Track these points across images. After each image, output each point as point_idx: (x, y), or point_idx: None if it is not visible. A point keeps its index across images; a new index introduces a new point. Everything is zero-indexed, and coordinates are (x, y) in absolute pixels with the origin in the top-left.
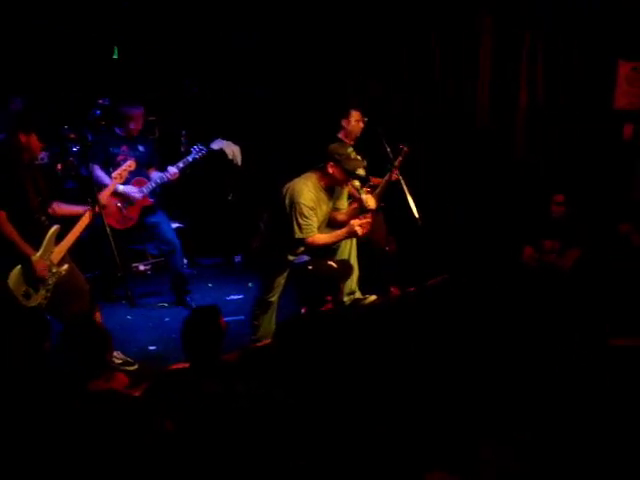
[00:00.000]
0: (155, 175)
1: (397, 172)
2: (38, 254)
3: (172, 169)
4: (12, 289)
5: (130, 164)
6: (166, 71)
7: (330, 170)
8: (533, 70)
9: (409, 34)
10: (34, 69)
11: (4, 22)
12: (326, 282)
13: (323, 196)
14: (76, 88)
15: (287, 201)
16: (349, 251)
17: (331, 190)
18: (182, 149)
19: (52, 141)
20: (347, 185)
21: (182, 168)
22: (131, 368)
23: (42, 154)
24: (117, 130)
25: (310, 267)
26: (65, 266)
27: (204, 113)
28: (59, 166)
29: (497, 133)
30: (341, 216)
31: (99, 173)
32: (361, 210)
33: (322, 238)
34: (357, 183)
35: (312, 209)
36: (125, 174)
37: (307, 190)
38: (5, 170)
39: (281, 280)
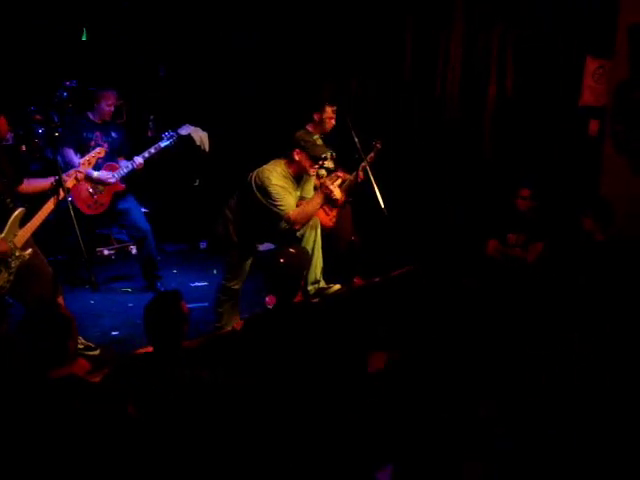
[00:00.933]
0: (123, 163)
1: (366, 168)
2: (1, 235)
3: (138, 159)
4: None
5: (99, 151)
6: (134, 54)
7: (296, 157)
8: (502, 63)
9: (383, 22)
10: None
11: None
12: (298, 271)
13: (290, 184)
14: (42, 69)
15: (257, 188)
16: (314, 240)
17: (298, 179)
18: (149, 134)
19: (17, 122)
20: (313, 173)
21: (152, 154)
22: (93, 353)
23: (7, 135)
24: (90, 115)
25: (282, 259)
26: (29, 250)
27: (172, 98)
28: (23, 147)
29: (465, 125)
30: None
31: (72, 157)
32: (328, 201)
33: (300, 211)
34: (323, 172)
35: (283, 188)
36: (93, 161)
37: (276, 175)
38: None
39: (246, 267)
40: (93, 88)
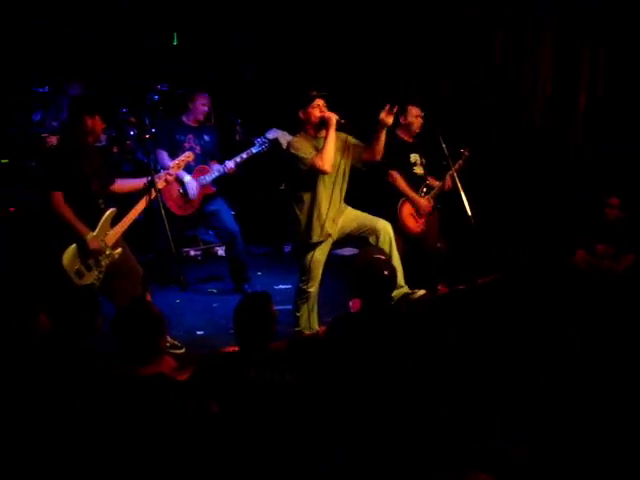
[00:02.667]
0: (214, 167)
1: (451, 179)
2: (93, 233)
3: (229, 164)
4: (65, 266)
5: (189, 155)
6: (222, 58)
7: (301, 116)
8: (594, 72)
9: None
10: (93, 53)
11: (63, 8)
12: (390, 281)
13: (316, 142)
14: (134, 72)
15: (288, 160)
16: (389, 244)
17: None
18: (237, 138)
19: (110, 124)
20: (319, 113)
21: (244, 159)
22: (178, 352)
23: (101, 136)
24: (184, 117)
25: (373, 263)
26: (119, 249)
27: (259, 101)
28: (115, 149)
29: (554, 131)
30: None
31: (165, 159)
32: (417, 211)
33: (319, 152)
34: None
35: (302, 143)
36: (183, 164)
37: (296, 139)
38: (67, 152)
39: (320, 268)
40: (182, 91)
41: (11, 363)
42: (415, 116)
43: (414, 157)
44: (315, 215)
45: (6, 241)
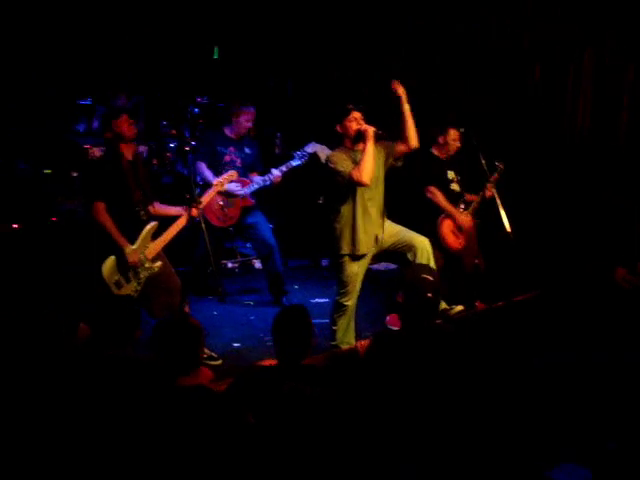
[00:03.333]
0: (257, 178)
1: (491, 188)
2: (133, 247)
3: (276, 172)
4: (105, 276)
5: (232, 174)
6: (263, 72)
7: (339, 130)
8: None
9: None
10: (137, 66)
11: (107, 24)
12: (434, 304)
13: (354, 155)
14: (175, 86)
15: (328, 175)
16: (427, 259)
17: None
18: (277, 151)
19: (150, 136)
20: (357, 126)
21: (284, 172)
22: (215, 363)
23: (142, 148)
24: (226, 130)
25: (419, 286)
26: (158, 263)
27: (299, 115)
28: (155, 161)
29: (594, 149)
30: None
31: (206, 172)
32: (457, 228)
33: (357, 166)
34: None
35: (339, 157)
36: (226, 182)
37: (334, 153)
38: (111, 164)
39: (358, 282)
40: (222, 104)
41: (53, 371)
42: (453, 139)
43: (450, 174)
44: (354, 229)
45: (48, 250)
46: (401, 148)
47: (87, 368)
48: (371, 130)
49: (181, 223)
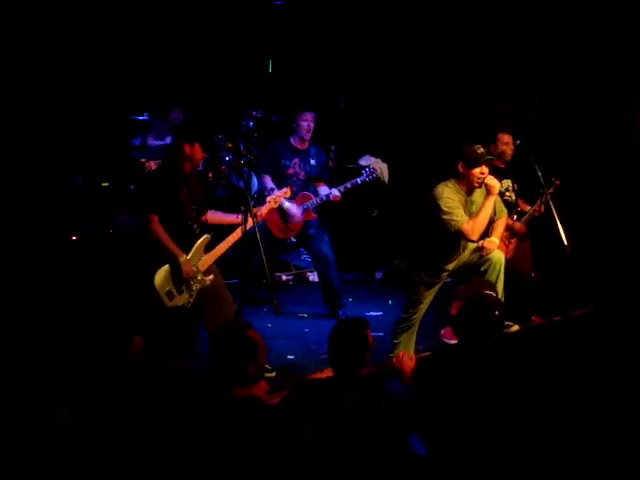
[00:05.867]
0: (322, 190)
1: (548, 201)
2: (186, 257)
3: (335, 191)
4: (157, 287)
5: (285, 191)
6: (315, 85)
7: (460, 169)
8: None
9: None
10: (193, 80)
11: (162, 37)
12: (500, 323)
13: (463, 199)
14: (230, 99)
15: (431, 206)
16: (497, 276)
17: (474, 197)
18: (331, 164)
19: (206, 149)
20: (477, 185)
21: (348, 189)
22: (269, 375)
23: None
24: (292, 140)
25: (484, 303)
26: (210, 276)
27: (353, 129)
28: (210, 174)
29: None
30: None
31: (268, 184)
32: (509, 234)
33: (473, 220)
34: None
35: (454, 201)
36: (279, 200)
37: (447, 189)
38: (166, 178)
39: (428, 298)
40: (277, 118)
41: (108, 384)
42: (506, 143)
43: (505, 183)
44: (449, 252)
45: (104, 262)
46: None
47: (140, 381)
48: (497, 187)
49: (235, 236)
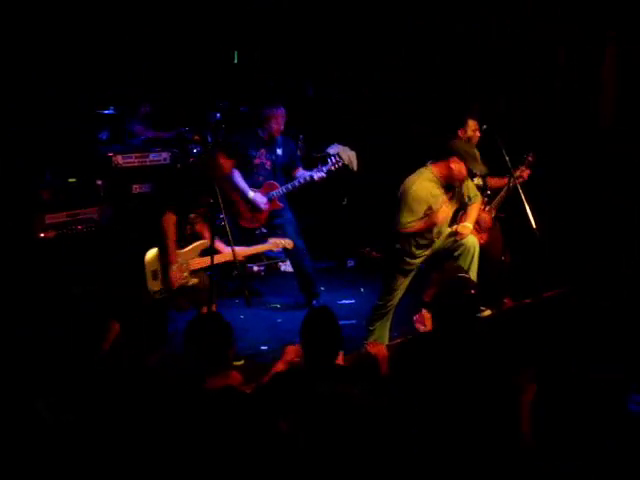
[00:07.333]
0: (299, 174)
1: (516, 185)
2: (178, 265)
3: (319, 174)
4: (146, 262)
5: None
6: (283, 74)
7: (452, 165)
8: None
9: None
10: (156, 73)
11: (125, 30)
12: (478, 300)
13: (437, 191)
14: (196, 91)
15: (400, 194)
16: (470, 262)
17: (446, 188)
18: (298, 153)
19: (173, 143)
20: (459, 186)
21: (321, 177)
22: (237, 363)
23: (164, 155)
24: (260, 131)
25: (460, 285)
26: (195, 280)
27: (320, 117)
28: (178, 166)
29: (621, 140)
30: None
31: (237, 178)
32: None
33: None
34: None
35: (421, 197)
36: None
37: (420, 180)
38: (194, 182)
39: (404, 284)
40: (244, 108)
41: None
42: (473, 130)
43: None
44: (423, 241)
45: (70, 258)
46: None
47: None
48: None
49: (226, 256)
